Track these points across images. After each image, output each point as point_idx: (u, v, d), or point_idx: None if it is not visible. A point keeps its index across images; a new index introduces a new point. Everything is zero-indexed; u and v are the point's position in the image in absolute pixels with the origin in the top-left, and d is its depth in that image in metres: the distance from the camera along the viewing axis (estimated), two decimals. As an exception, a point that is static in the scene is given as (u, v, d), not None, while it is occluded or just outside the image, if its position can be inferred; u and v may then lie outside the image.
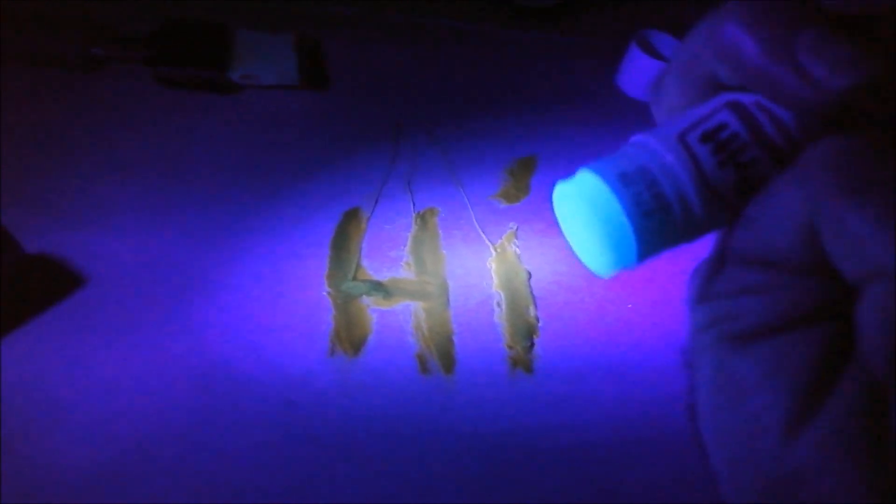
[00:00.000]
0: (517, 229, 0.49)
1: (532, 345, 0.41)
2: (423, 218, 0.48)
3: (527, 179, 0.52)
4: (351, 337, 0.40)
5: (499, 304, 0.43)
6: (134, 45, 0.53)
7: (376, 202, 0.49)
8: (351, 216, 0.47)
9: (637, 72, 0.59)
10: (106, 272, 0.41)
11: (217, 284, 0.42)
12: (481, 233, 0.48)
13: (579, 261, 0.21)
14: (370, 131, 0.54)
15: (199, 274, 0.42)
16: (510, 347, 0.41)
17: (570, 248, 0.20)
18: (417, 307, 0.42)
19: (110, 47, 0.53)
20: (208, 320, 0.40)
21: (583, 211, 0.18)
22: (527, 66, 0.61)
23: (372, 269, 0.44)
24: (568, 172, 0.41)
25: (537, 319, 0.43)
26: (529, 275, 0.45)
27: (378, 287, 0.43)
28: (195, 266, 0.42)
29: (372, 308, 0.42)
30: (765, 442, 0.16)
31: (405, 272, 0.44)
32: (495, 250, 0.47)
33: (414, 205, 0.49)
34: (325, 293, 0.42)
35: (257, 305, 0.41)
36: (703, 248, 0.19)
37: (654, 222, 0.17)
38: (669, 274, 0.47)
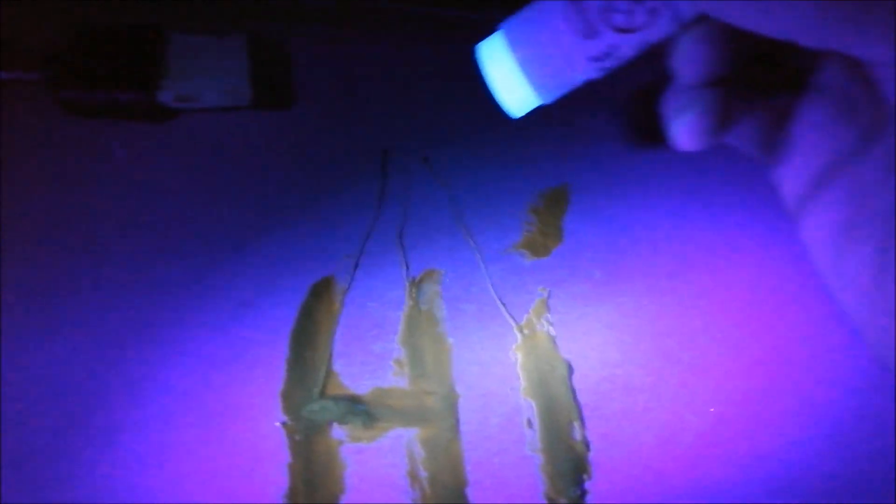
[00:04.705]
0: (548, 296, 0.35)
1: (583, 493, 0.28)
2: (420, 287, 0.35)
3: (557, 220, 0.39)
4: (315, 500, 0.27)
5: (530, 423, 0.30)
6: (33, 63, 0.40)
7: (355, 267, 0.36)
8: (320, 292, 0.34)
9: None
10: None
11: (119, 417, 0.29)
12: (501, 305, 0.35)
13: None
14: (348, 163, 0.40)
15: (94, 402, 0.29)
16: (552, 500, 0.28)
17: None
18: (413, 439, 0.29)
19: (2, 66, 0.40)
20: (104, 474, 0.27)
21: (491, 66, 0.20)
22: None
23: (348, 375, 0.31)
24: (610, 203, 0.35)
25: (587, 446, 0.30)
26: (570, 369, 0.32)
27: (356, 408, 0.30)
28: (91, 390, 0.30)
29: (347, 444, 0.29)
30: None
31: (395, 377, 0.31)
32: (521, 332, 0.34)
33: (408, 267, 0.36)
34: (278, 424, 0.29)
35: (176, 449, 0.28)
36: None
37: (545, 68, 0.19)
38: (763, 353, 0.34)
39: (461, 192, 0.40)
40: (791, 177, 0.21)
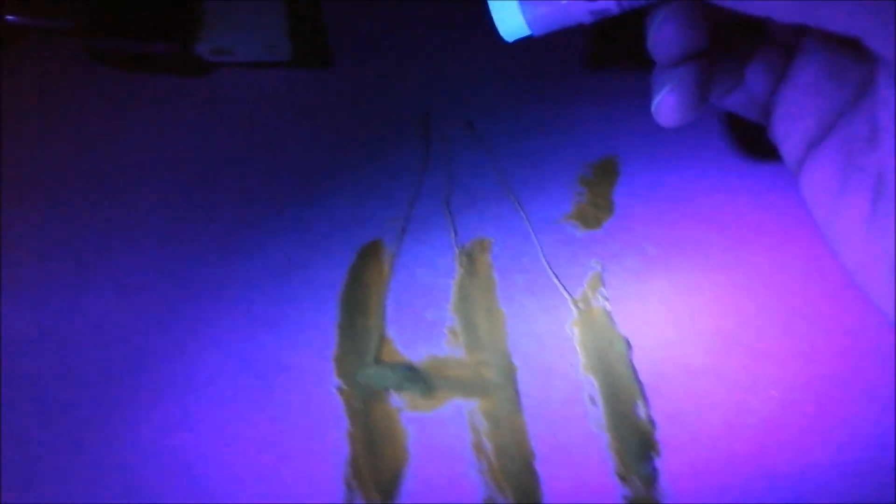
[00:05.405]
0: (602, 270, 0.34)
1: (655, 471, 0.27)
2: (469, 256, 0.34)
3: (607, 192, 0.38)
4: (377, 472, 0.25)
5: (593, 400, 0.29)
6: (63, 10, 0.38)
7: (403, 231, 0.34)
8: (368, 255, 0.33)
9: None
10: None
11: (162, 385, 0.27)
12: (554, 277, 0.33)
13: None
14: (389, 125, 0.39)
15: (138, 361, 0.27)
16: (623, 477, 0.27)
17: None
18: (474, 409, 0.28)
19: (31, 13, 0.38)
20: (146, 447, 0.26)
21: None
22: (601, 28, 0.45)
23: (401, 342, 0.30)
24: (661, 175, 0.31)
25: (653, 424, 0.28)
26: (629, 346, 0.31)
27: (413, 375, 0.28)
28: (133, 349, 0.28)
29: (406, 412, 0.27)
30: None
31: (450, 346, 0.30)
32: (577, 306, 0.32)
33: (456, 234, 0.35)
34: (334, 389, 0.28)
35: (223, 420, 0.26)
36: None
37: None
38: (828, 337, 0.32)
39: (507, 158, 0.38)
40: (788, 137, 0.22)
